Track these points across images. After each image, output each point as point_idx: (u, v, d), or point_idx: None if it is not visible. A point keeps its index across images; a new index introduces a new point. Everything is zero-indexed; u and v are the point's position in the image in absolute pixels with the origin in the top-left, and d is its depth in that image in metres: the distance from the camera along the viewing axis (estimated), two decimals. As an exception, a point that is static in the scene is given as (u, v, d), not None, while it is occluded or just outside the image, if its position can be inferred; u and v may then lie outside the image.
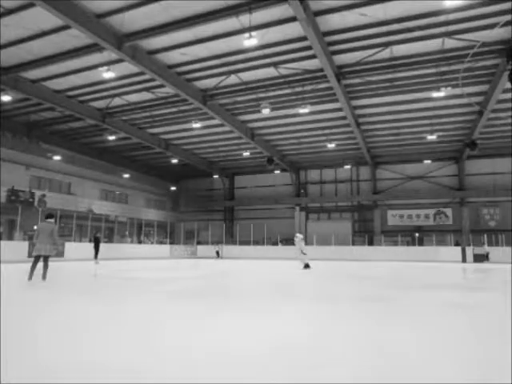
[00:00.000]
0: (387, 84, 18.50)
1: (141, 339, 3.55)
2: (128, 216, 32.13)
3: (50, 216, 8.82)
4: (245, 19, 13.29)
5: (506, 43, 14.80)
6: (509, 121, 22.11)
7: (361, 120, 23.56)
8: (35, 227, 8.81)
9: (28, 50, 16.00)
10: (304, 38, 14.60)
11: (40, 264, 8.43)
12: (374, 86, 18.93)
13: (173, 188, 39.56)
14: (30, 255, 7.91)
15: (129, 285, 8.88)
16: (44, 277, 8.32)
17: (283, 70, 17.67)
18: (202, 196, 39.20)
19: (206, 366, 2.77)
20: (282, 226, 34.43)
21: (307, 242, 32.42)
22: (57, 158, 27.09)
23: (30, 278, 8.25)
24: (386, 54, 16.07)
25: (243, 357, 3.00)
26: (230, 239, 35.01)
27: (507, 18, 13.14)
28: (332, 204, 34.76)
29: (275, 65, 17.21)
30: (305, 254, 14.64)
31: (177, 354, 3.08)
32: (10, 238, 23.41)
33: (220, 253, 30.25)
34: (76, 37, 14.63)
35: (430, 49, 15.76)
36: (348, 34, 14.77)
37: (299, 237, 14.89)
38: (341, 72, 17.25)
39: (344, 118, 22.36)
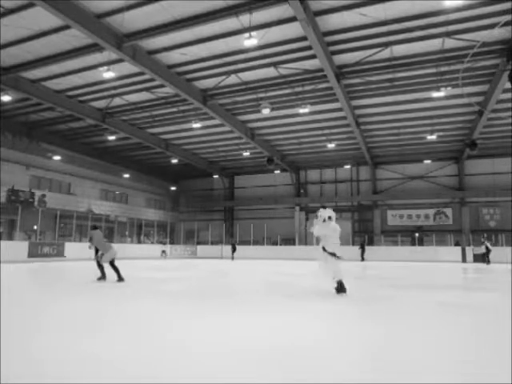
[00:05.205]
0: (387, 84, 18.48)
1: (141, 338, 3.55)
2: (128, 216, 32.11)
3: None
4: (245, 19, 13.29)
5: (506, 43, 14.80)
6: (509, 121, 22.09)
7: (361, 120, 23.55)
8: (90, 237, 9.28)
9: (28, 50, 15.99)
10: (304, 38, 14.58)
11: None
12: (373, 86, 18.91)
13: (173, 188, 39.55)
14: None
15: (128, 284, 8.87)
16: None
17: (283, 70, 17.66)
18: (202, 196, 39.17)
19: (206, 365, 2.76)
20: (282, 226, 34.42)
21: (306, 241, 32.45)
22: (57, 157, 27.08)
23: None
24: (386, 53, 16.05)
25: (242, 356, 3.00)
26: (230, 239, 35.00)
27: (507, 17, 13.11)
28: (332, 204, 34.68)
29: (275, 65, 17.20)
30: (338, 257, 7.52)
31: (177, 353, 3.08)
32: (10, 238, 23.40)
33: (166, 252, 27.68)
34: (76, 37, 14.63)
35: (430, 49, 15.74)
36: (348, 34, 14.76)
37: (332, 213, 7.62)
38: (341, 72, 17.24)
39: (344, 118, 22.35)
